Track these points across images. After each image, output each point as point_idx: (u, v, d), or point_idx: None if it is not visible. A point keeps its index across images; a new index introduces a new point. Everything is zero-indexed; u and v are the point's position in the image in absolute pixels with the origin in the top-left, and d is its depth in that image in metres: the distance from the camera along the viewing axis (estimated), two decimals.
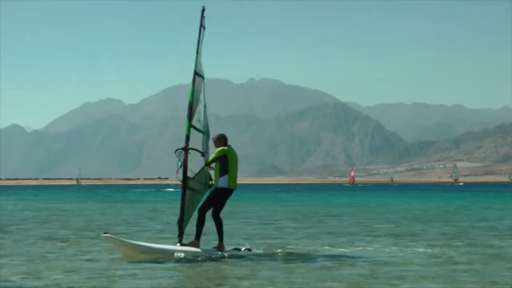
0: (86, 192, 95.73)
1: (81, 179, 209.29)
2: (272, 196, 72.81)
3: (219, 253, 14.99)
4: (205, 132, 15.84)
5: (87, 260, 14.55)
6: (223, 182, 14.96)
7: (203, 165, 15.40)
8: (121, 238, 15.28)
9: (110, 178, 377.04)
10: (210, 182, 15.53)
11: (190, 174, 15.18)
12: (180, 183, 15.43)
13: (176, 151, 15.24)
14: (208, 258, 14.57)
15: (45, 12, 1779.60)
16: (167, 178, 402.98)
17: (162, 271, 12.93)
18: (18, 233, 21.76)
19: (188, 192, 15.14)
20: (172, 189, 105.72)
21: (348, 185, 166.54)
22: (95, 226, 25.07)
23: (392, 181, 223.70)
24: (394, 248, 17.13)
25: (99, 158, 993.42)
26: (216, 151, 15.12)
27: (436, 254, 15.84)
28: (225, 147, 15.19)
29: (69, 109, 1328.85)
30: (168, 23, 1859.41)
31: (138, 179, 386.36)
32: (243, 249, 15.69)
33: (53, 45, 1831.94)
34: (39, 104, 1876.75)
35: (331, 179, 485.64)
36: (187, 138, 15.08)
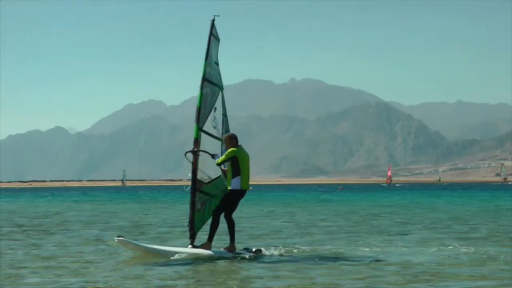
0: (130, 193, 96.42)
1: (126, 180, 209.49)
2: (312, 196, 72.07)
3: (231, 254, 14.98)
4: (223, 141, 15.83)
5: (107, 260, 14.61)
6: (235, 183, 14.90)
7: (220, 170, 15.48)
8: (134, 241, 15.32)
9: (153, 180, 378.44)
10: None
11: (205, 178, 15.28)
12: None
13: (186, 154, 15.40)
14: (221, 259, 14.58)
15: (87, 13, 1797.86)
16: None
17: (173, 273, 12.88)
18: (62, 234, 21.93)
19: (199, 195, 15.17)
20: None
21: (385, 184, 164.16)
22: (138, 226, 25.20)
23: (439, 180, 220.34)
24: (434, 248, 16.95)
25: (142, 159, 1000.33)
26: (226, 152, 15.09)
27: (480, 254, 15.62)
28: (235, 148, 15.13)
29: (112, 111, 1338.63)
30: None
31: (181, 180, 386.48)
32: (254, 249, 15.62)
33: (96, 47, 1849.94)
34: (82, 106, 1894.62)
35: (374, 179, 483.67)
36: (196, 140, 15.31)
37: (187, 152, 15.35)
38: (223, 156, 14.99)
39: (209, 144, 15.53)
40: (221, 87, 16.35)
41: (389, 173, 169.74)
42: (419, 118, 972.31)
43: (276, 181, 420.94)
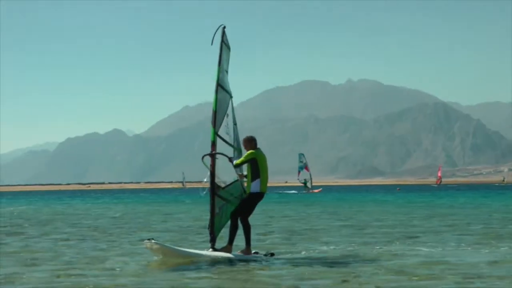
0: (190, 195, 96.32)
1: (186, 182, 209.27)
2: (368, 197, 71.44)
3: (249, 257, 14.94)
4: (237, 149, 15.87)
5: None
6: (255, 186, 14.75)
7: (236, 177, 15.34)
8: (164, 244, 15.14)
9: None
10: (244, 195, 15.27)
11: (221, 183, 15.03)
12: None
13: (203, 157, 15.15)
14: (244, 262, 14.47)
15: (144, 15, 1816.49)
16: (286, 182, 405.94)
17: (195, 275, 12.84)
18: (117, 236, 22.28)
19: (217, 199, 14.93)
20: (295, 192, 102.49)
21: (435, 185, 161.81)
22: (197, 228, 25.23)
23: (503, 180, 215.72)
24: (487, 250, 16.82)
25: (199, 161, 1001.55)
26: (245, 154, 14.95)
27: None
28: (254, 150, 14.95)
29: (169, 113, 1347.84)
30: (265, 25, 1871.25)
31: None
32: (265, 253, 15.52)
33: (153, 49, 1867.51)
34: (140, 108, 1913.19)
35: (431, 180, 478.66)
36: (213, 144, 14.90)
37: (205, 155, 15.11)
38: (242, 158, 14.90)
39: (222, 150, 15.28)
40: (231, 95, 16.27)
41: (439, 174, 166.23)
42: (477, 118, 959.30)
43: (333, 182, 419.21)
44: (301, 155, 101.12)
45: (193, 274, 12.94)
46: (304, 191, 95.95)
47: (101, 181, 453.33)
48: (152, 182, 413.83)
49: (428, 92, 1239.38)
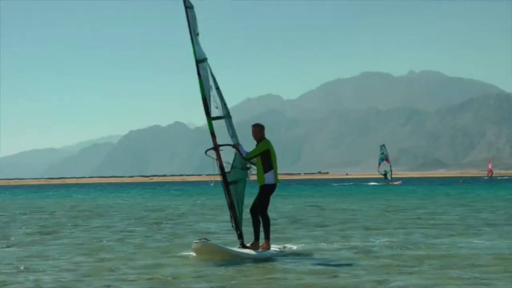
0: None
1: (252, 175, 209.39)
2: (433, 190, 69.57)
3: (279, 250, 14.74)
4: (226, 115, 15.09)
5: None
6: (269, 178, 14.20)
7: (234, 151, 14.67)
8: (216, 244, 14.44)
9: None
10: (248, 165, 14.85)
11: (227, 167, 14.44)
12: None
13: (206, 152, 14.59)
14: (272, 258, 14.03)
15: (202, 8, 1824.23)
16: (327, 172, 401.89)
17: (228, 274, 12.23)
18: (176, 228, 22.38)
19: (231, 187, 14.37)
20: (375, 183, 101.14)
21: (486, 178, 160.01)
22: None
23: None
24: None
25: None
26: (258, 145, 14.35)
27: None
28: (267, 140, 14.46)
29: (230, 105, 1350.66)
30: (325, 17, 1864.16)
31: (299, 174, 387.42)
32: (279, 247, 15.12)
33: (215, 42, 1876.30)
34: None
35: (496, 172, 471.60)
36: (213, 135, 14.28)
37: (208, 150, 14.48)
38: (256, 150, 14.28)
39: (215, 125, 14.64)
40: (206, 59, 15.23)
41: (489, 166, 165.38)
42: None
43: (395, 174, 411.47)
44: (382, 146, 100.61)
45: (226, 273, 12.30)
46: (384, 183, 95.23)
47: (163, 173, 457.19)
48: (213, 174, 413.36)
49: (491, 82, 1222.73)
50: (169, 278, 11.77)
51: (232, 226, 14.39)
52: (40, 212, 33.53)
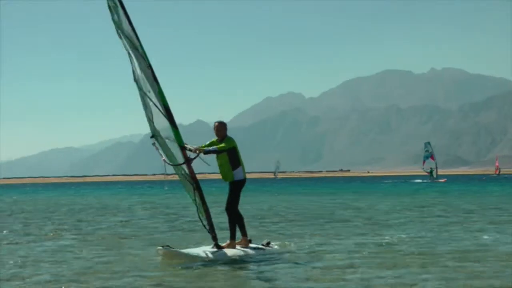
0: (284, 184, 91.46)
1: (279, 172, 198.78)
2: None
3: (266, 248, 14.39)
4: (139, 88, 14.02)
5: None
6: (239, 174, 14.05)
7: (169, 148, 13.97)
8: (175, 249, 13.88)
9: (293, 171, 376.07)
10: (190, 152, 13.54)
11: (178, 161, 13.66)
12: None
13: (174, 167, 13.90)
14: (253, 257, 13.72)
15: (230, 11, 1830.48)
16: (348, 170, 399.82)
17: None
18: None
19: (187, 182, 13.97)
20: (420, 180, 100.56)
21: (494, 175, 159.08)
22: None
23: None
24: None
25: (281, 151, 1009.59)
26: (226, 141, 13.96)
27: None
28: (232, 138, 14.14)
29: (251, 104, 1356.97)
30: (345, 16, 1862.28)
31: (321, 171, 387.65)
32: (263, 243, 14.77)
33: (236, 41, 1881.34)
34: (222, 99, 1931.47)
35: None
36: (182, 148, 13.35)
37: (176, 165, 13.76)
38: (227, 144, 13.93)
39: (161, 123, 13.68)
40: (140, 50, 13.12)
41: (496, 164, 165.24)
42: None
43: (417, 172, 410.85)
44: (427, 143, 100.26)
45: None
46: (429, 180, 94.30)
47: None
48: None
49: None
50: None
51: (205, 227, 13.94)
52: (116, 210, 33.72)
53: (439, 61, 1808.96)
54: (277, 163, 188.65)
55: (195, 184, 13.53)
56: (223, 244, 14.09)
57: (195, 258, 13.45)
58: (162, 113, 13.15)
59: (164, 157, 13.91)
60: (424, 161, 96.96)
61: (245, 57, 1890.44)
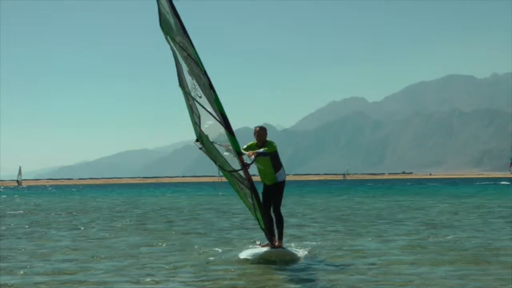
0: (354, 186, 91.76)
1: (348, 174, 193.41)
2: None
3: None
4: (186, 92, 13.80)
5: None
6: (282, 175, 13.75)
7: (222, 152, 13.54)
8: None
9: (356, 174, 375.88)
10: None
11: (234, 166, 13.05)
12: None
13: (231, 171, 13.33)
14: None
15: (299, 10, 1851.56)
16: (411, 173, 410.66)
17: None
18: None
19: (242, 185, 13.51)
20: (507, 183, 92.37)
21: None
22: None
23: None
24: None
25: (345, 154, 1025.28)
26: (269, 145, 13.48)
27: None
28: (273, 141, 13.71)
29: (316, 108, 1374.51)
30: (410, 20, 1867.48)
31: (383, 174, 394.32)
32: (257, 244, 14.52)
33: (302, 45, 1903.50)
34: (289, 103, 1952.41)
35: None
36: (239, 154, 12.59)
37: (237, 170, 12.97)
38: (272, 147, 13.50)
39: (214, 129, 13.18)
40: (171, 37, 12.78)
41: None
42: None
43: (478, 174, 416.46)
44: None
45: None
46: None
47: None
48: (300, 174, 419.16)
49: None
50: None
51: (263, 229, 13.87)
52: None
53: (501, 65, 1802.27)
54: (347, 167, 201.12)
55: (252, 188, 12.98)
56: (276, 244, 13.68)
57: (293, 256, 13.49)
58: (217, 119, 12.53)
59: (218, 163, 13.82)
60: (511, 164, 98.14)
61: (310, 62, 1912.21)
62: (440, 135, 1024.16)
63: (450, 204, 34.35)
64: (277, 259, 13.21)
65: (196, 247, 15.86)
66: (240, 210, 30.14)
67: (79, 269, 12.37)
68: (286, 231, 14.89)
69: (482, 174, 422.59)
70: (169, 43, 13.01)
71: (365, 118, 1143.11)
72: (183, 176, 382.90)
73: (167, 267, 12.74)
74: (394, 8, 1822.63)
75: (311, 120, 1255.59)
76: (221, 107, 11.97)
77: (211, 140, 13.56)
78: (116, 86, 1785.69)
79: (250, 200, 13.48)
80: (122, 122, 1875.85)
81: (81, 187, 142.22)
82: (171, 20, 11.99)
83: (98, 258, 13.92)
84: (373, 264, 12.62)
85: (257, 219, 13.98)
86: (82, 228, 22.13)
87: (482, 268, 11.84)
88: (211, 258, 13.81)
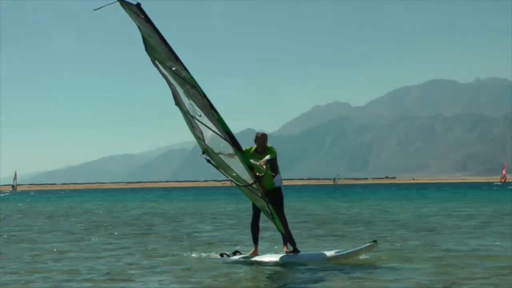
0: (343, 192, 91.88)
1: (339, 179, 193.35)
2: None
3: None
4: (184, 111, 13.94)
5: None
6: (279, 180, 14.06)
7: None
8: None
9: (343, 178, 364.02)
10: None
11: (246, 178, 13.44)
12: None
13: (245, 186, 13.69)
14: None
15: (288, 17, 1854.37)
16: (394, 177, 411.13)
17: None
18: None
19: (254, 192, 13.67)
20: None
21: (498, 183, 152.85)
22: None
23: None
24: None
25: (329, 159, 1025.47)
26: (270, 150, 13.95)
27: None
28: (273, 147, 14.14)
29: (300, 113, 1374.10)
30: (393, 24, 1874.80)
31: (366, 179, 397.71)
32: (233, 252, 15.03)
33: (280, 50, 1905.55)
34: (272, 108, 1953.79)
35: None
36: (251, 168, 13.10)
37: (249, 185, 13.44)
38: (274, 153, 13.97)
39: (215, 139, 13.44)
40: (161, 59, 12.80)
41: (503, 172, 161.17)
42: None
43: (461, 179, 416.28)
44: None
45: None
46: None
47: None
48: (286, 179, 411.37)
49: None
50: None
51: (283, 234, 14.20)
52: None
53: (483, 70, 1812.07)
54: (338, 171, 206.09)
55: (267, 198, 13.30)
56: (287, 250, 14.32)
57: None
58: (221, 136, 12.77)
59: (229, 177, 13.92)
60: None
61: (292, 66, 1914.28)
62: (423, 140, 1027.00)
63: None
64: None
65: (175, 253, 16.14)
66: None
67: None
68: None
69: (466, 179, 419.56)
70: (157, 66, 13.09)
71: (349, 123, 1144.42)
72: (166, 181, 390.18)
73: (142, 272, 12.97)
74: (377, 13, 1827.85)
75: (294, 125, 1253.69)
76: (225, 126, 12.53)
77: (216, 152, 13.84)
78: (100, 90, 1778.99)
79: (267, 209, 13.81)
80: (107, 127, 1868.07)
81: (62, 192, 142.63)
82: (157, 44, 12.12)
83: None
84: None
85: (276, 225, 14.24)
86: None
87: None
88: (195, 263, 14.17)
